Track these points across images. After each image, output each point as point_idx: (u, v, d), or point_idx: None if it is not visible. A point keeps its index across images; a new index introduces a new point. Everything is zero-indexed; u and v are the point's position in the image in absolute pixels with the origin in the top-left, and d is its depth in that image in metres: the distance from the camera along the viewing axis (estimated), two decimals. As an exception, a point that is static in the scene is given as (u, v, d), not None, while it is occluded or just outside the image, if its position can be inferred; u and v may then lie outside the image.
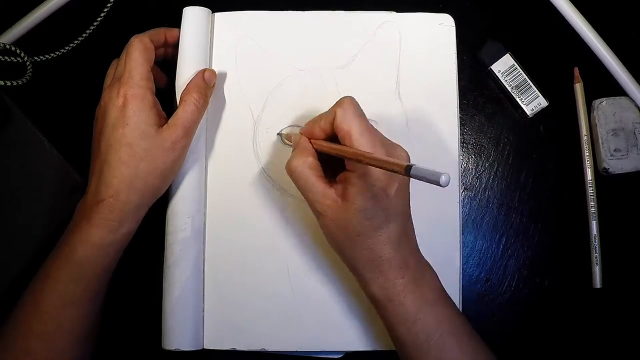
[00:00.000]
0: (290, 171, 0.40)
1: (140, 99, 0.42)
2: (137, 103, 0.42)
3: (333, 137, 0.41)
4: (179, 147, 0.43)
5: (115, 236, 0.41)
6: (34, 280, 0.41)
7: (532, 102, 0.50)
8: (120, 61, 0.46)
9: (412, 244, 0.41)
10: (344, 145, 0.39)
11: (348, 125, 0.39)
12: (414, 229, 0.41)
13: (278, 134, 0.48)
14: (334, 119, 0.39)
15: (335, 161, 0.41)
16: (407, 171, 0.32)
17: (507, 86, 0.50)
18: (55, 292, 0.40)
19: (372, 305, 0.42)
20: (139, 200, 0.42)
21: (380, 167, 0.35)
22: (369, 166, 0.37)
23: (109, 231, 0.41)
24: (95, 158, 0.43)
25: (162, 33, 0.47)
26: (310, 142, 0.42)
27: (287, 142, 0.48)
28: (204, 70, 0.46)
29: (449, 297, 0.41)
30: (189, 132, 0.43)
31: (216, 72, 0.47)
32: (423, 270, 0.41)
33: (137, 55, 0.43)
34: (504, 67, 0.50)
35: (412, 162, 0.36)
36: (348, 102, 0.40)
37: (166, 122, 0.43)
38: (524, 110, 0.50)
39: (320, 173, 0.40)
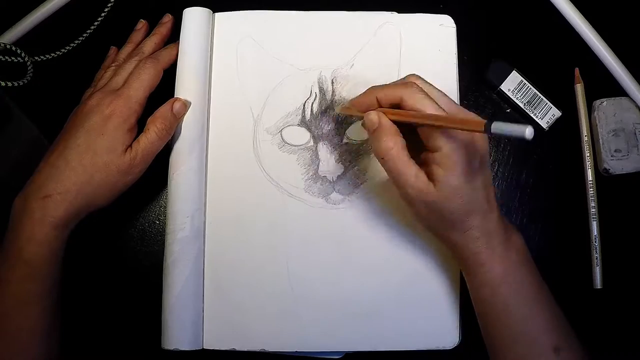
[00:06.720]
0: (383, 154, 0.39)
1: (125, 119, 0.43)
2: (120, 121, 0.43)
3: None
4: (134, 172, 0.44)
5: (57, 234, 0.41)
6: None
7: (545, 115, 0.51)
8: (122, 70, 0.46)
9: (497, 208, 0.41)
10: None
11: (420, 107, 0.38)
12: (495, 191, 0.42)
13: (338, 110, 0.48)
14: (399, 96, 0.39)
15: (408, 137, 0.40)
16: (488, 128, 0.32)
17: (519, 103, 0.51)
18: (10, 292, 0.40)
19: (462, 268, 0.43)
20: (83, 206, 0.42)
21: (460, 128, 0.35)
22: (452, 146, 0.37)
23: (53, 228, 0.41)
24: (53, 151, 0.43)
25: (173, 56, 0.47)
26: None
27: (345, 113, 0.47)
28: (174, 100, 0.45)
29: (532, 260, 0.42)
30: (146, 159, 0.44)
31: (185, 103, 0.46)
32: (510, 233, 0.41)
33: (146, 79, 0.45)
34: (513, 84, 0.51)
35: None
36: (417, 90, 0.39)
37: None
38: (539, 125, 0.51)
39: (408, 154, 0.39)
